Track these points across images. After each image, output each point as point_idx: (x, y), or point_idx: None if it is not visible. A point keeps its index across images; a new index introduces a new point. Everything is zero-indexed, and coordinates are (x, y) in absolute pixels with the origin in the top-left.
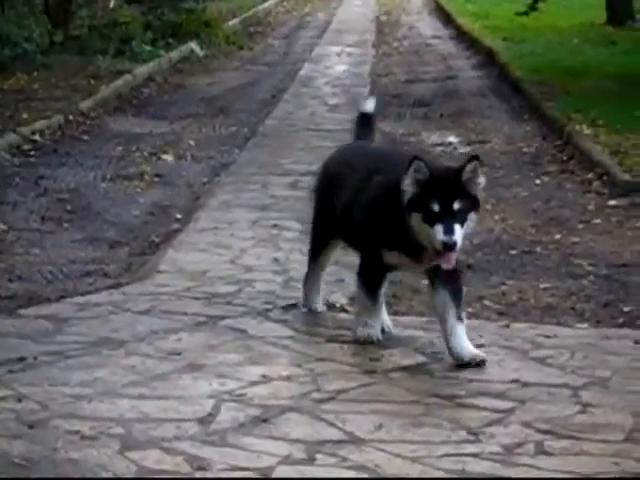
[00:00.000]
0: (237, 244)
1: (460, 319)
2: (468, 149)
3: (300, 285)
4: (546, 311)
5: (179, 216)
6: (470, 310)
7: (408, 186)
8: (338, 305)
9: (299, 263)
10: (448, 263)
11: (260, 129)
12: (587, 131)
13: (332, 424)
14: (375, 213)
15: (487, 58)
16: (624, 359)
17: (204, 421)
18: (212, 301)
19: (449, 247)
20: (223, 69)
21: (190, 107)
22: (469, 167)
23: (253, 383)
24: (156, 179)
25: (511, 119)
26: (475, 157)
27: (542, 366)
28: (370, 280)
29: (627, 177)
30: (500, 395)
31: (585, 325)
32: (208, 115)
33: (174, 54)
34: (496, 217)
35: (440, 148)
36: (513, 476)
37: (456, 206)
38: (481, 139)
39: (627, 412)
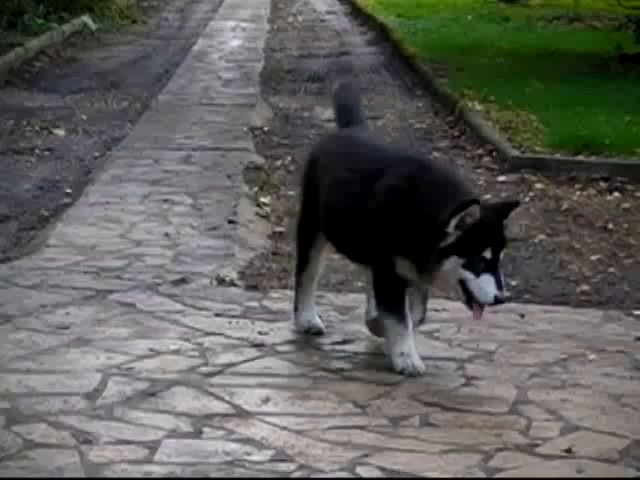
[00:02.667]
0: (127, 218)
1: (422, 321)
2: None
3: (189, 259)
4: None
5: (69, 190)
6: (360, 284)
7: (452, 228)
8: (228, 280)
9: (189, 237)
10: (479, 317)
11: (153, 103)
12: (478, 107)
13: (219, 397)
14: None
15: (381, 34)
16: (509, 332)
17: (91, 395)
18: (101, 275)
19: (499, 302)
20: (116, 43)
21: (82, 81)
22: (512, 214)
23: (141, 357)
24: (47, 153)
25: (404, 95)
26: (517, 203)
27: (429, 340)
28: (392, 300)
29: (516, 153)
30: (387, 368)
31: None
32: (100, 89)
33: (67, 27)
34: None
35: (333, 123)
36: (399, 447)
37: (502, 255)
38: (374, 115)
39: (511, 385)
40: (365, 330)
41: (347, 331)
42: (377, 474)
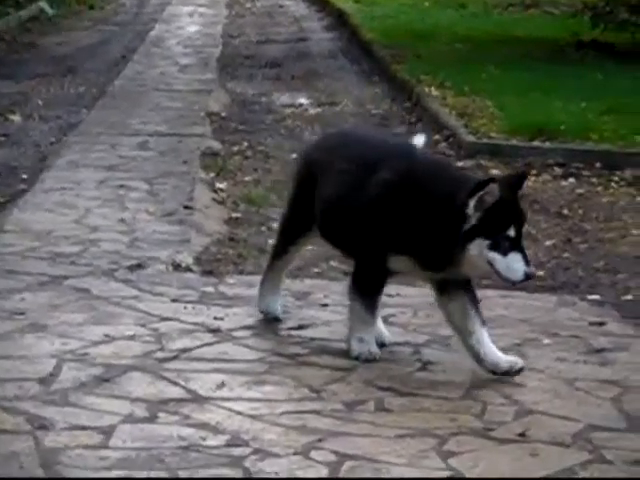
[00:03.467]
0: (83, 204)
1: (484, 324)
2: (319, 110)
3: (145, 245)
4: None
5: (25, 176)
6: (316, 270)
7: (472, 210)
8: (183, 265)
9: (145, 223)
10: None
11: (109, 89)
12: (435, 93)
13: (175, 383)
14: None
15: (339, 20)
16: None
17: (46, 381)
18: (56, 261)
19: (530, 278)
20: (73, 29)
21: (39, 67)
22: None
23: (96, 343)
24: (2, 139)
25: (361, 81)
26: (526, 174)
27: (385, 325)
28: (370, 288)
29: (472, 139)
30: (342, 353)
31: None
32: (57, 75)
33: (23, 13)
34: None
35: (291, 109)
36: (353, 432)
37: (524, 230)
38: (331, 101)
39: (466, 369)
40: (320, 315)
41: (303, 317)
42: (331, 458)
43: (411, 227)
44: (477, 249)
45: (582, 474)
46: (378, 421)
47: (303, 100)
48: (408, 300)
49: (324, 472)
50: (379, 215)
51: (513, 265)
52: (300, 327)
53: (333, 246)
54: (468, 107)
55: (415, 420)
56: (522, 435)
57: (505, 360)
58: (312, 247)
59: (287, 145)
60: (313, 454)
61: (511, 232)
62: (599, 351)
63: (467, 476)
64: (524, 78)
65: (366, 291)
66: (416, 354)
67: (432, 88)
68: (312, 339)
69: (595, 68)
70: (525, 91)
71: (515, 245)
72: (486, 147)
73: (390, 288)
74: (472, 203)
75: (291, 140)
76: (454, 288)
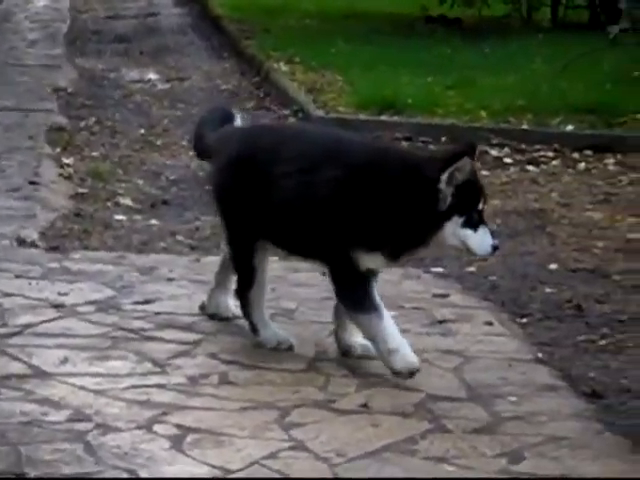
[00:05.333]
0: None
1: None
2: (167, 86)
3: None
4: None
5: None
6: (162, 245)
7: (444, 186)
8: (28, 241)
9: None
10: None
11: None
12: (284, 68)
13: (17, 358)
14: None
15: None
16: (312, 290)
17: None
18: None
19: (496, 250)
20: None
21: None
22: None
23: None
24: None
25: (210, 57)
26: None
27: (229, 299)
28: (362, 298)
29: (321, 113)
30: (187, 327)
31: (275, 258)
32: None
33: None
34: (192, 153)
35: (139, 85)
36: (197, 405)
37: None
38: (180, 76)
39: (311, 342)
40: (165, 290)
41: (148, 291)
42: (174, 432)
43: (380, 219)
44: (452, 227)
45: (422, 443)
46: (222, 394)
47: (152, 75)
48: None
49: (166, 445)
50: (341, 214)
51: (483, 240)
52: (145, 302)
53: (288, 253)
54: (317, 82)
55: (259, 393)
56: (364, 406)
57: (360, 346)
58: (157, 222)
59: (135, 120)
60: (156, 428)
61: (480, 206)
62: (442, 322)
63: (308, 446)
64: (373, 53)
65: (361, 301)
66: None
67: (281, 63)
68: (157, 313)
69: (443, 43)
70: (374, 66)
71: (481, 219)
72: (334, 121)
73: None
74: (444, 178)
75: (139, 115)
76: None
